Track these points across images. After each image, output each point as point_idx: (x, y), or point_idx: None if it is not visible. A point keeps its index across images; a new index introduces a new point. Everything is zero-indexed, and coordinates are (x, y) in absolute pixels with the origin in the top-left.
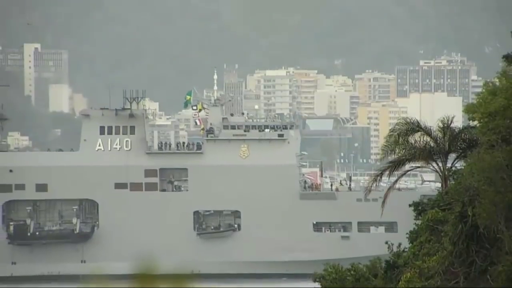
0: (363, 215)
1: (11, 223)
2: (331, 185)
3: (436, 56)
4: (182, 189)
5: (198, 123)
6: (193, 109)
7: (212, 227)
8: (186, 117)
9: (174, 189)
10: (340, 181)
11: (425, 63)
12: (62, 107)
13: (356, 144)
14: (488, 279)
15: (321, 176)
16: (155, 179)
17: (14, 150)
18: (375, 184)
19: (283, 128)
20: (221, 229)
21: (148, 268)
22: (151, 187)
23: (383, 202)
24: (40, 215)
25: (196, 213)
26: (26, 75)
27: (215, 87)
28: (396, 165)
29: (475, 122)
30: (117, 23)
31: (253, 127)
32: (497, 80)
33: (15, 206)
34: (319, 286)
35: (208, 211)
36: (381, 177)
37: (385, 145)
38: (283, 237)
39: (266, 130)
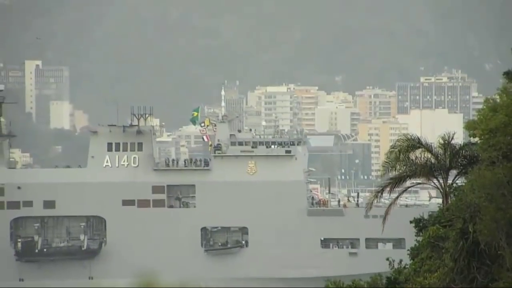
0: (371, 231)
1: (19, 239)
2: (339, 201)
3: (436, 72)
4: (190, 205)
5: (206, 139)
6: (200, 126)
7: (220, 244)
8: (187, 133)
9: (181, 206)
10: (348, 197)
11: (425, 79)
12: (63, 124)
13: (357, 161)
14: None
15: (329, 192)
16: (163, 196)
17: (22, 167)
18: (376, 201)
19: (291, 144)
20: (229, 246)
21: (148, 283)
22: (158, 203)
23: (384, 218)
24: (48, 231)
25: (203, 229)
26: (27, 92)
27: (223, 104)
28: (397, 181)
29: (476, 139)
30: (117, 39)
31: (261, 143)
32: (498, 96)
33: (23, 223)
34: None
35: (216, 227)
36: (382, 194)
37: (386, 162)
38: (290, 254)
39: (273, 146)
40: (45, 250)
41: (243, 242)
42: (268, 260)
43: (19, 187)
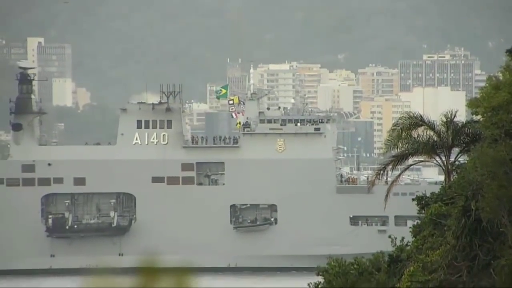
0: (400, 209)
1: (50, 216)
2: (368, 178)
3: (439, 50)
4: (219, 182)
5: (234, 116)
6: (229, 103)
7: (249, 221)
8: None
9: (210, 183)
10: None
11: (428, 57)
12: (65, 101)
13: (359, 139)
14: (491, 273)
15: (358, 170)
16: (192, 173)
17: (53, 143)
18: (378, 178)
19: (320, 122)
20: (258, 223)
21: (151, 262)
22: (188, 181)
23: (386, 195)
24: (78, 208)
25: (232, 206)
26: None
27: (251, 81)
28: (399, 159)
29: (479, 117)
30: (120, 19)
31: (289, 121)
32: (501, 74)
33: (53, 199)
34: (322, 280)
35: (245, 204)
36: (384, 171)
37: (388, 140)
38: (319, 231)
39: (298, 124)
40: (75, 226)
41: (272, 219)
42: (297, 237)
43: (49, 164)
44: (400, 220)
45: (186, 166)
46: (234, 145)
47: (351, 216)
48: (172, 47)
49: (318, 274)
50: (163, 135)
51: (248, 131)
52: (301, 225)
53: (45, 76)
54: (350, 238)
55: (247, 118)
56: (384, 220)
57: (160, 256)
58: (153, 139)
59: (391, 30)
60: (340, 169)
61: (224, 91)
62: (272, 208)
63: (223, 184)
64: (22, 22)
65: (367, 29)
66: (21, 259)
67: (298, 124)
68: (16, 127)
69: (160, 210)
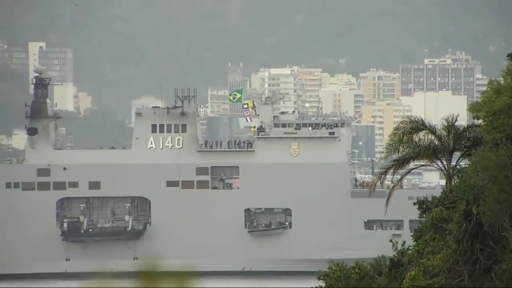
0: (415, 213)
1: (65, 220)
2: (382, 183)
3: (440, 54)
4: (233, 186)
5: (249, 120)
6: (243, 107)
7: (263, 225)
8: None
9: (225, 187)
10: (392, 179)
11: (429, 61)
12: (66, 106)
13: (360, 143)
14: (493, 277)
15: (373, 174)
16: (207, 177)
17: (68, 148)
18: (379, 182)
19: (334, 126)
20: (272, 227)
21: (151, 266)
22: (202, 185)
23: (387, 200)
24: (93, 212)
25: (247, 210)
26: (31, 74)
27: (266, 85)
28: (400, 163)
29: (480, 121)
30: (121, 22)
31: (304, 125)
32: (502, 78)
33: (68, 203)
34: (323, 284)
35: (259, 209)
36: (385, 175)
37: (390, 144)
38: (334, 235)
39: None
40: (90, 230)
41: (287, 223)
42: (311, 241)
43: (64, 168)
44: (415, 224)
45: (200, 170)
46: (249, 149)
47: (366, 220)
48: (173, 49)
49: (319, 279)
50: (178, 139)
51: (262, 135)
52: (315, 229)
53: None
54: (365, 242)
55: (262, 122)
56: (398, 224)
57: (168, 260)
58: (168, 143)
59: (392, 33)
60: (354, 173)
61: (239, 95)
62: (287, 212)
63: (238, 188)
64: (23, 26)
65: (367, 32)
66: (36, 263)
67: (309, 128)
68: (32, 131)
69: (175, 214)
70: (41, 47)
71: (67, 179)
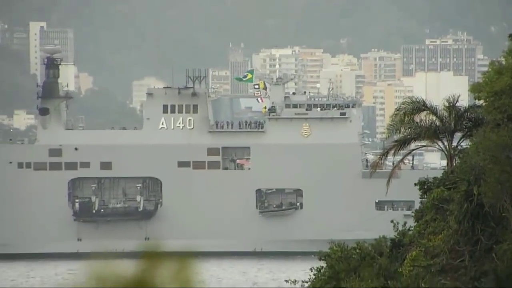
0: None
1: (77, 200)
2: (393, 163)
3: (442, 35)
4: (244, 167)
5: (260, 101)
6: (255, 88)
7: (274, 206)
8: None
9: (236, 168)
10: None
11: (431, 42)
12: (68, 86)
13: (362, 123)
14: (494, 258)
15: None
16: (218, 158)
17: (79, 128)
18: (381, 163)
19: (345, 107)
20: (283, 208)
21: (153, 247)
22: (213, 165)
23: (388, 180)
24: (105, 192)
25: (258, 191)
26: (32, 54)
27: (277, 66)
28: (401, 144)
29: (481, 101)
30: (122, 3)
31: (315, 105)
32: (503, 59)
33: (80, 183)
34: (325, 264)
35: (270, 189)
36: (386, 156)
37: (391, 124)
38: (345, 216)
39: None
40: (102, 210)
41: (298, 204)
42: (322, 222)
43: (76, 148)
44: None
45: (212, 151)
46: (260, 130)
47: (377, 201)
48: (173, 31)
49: (320, 259)
50: (189, 119)
51: (273, 115)
52: (326, 210)
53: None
54: (376, 223)
55: (273, 102)
56: (409, 205)
57: (178, 241)
58: (179, 123)
59: (393, 14)
60: (365, 154)
61: (250, 75)
62: (298, 193)
63: (249, 168)
64: (24, 6)
65: (369, 13)
66: (48, 243)
67: (319, 109)
68: (43, 112)
69: (186, 194)
70: (42, 27)
71: (78, 160)
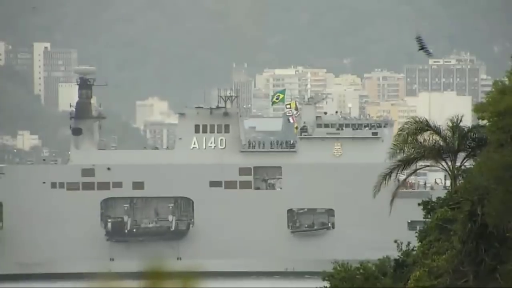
0: None
1: (109, 220)
2: (425, 183)
3: (445, 55)
4: (276, 187)
5: (292, 121)
6: (286, 108)
7: (306, 225)
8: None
9: (268, 187)
10: (435, 179)
11: (434, 62)
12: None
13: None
14: (498, 278)
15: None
16: (250, 177)
17: (111, 148)
18: (384, 183)
19: (377, 127)
20: (315, 227)
21: (157, 266)
22: (245, 185)
23: (392, 200)
24: (137, 212)
25: (289, 211)
26: (36, 74)
27: (309, 86)
28: (405, 164)
29: (484, 121)
30: (125, 23)
31: (347, 125)
32: (507, 79)
33: (112, 203)
34: (328, 285)
35: (302, 209)
36: (390, 176)
37: (394, 144)
38: (377, 236)
39: (349, 129)
40: (134, 230)
41: (329, 224)
42: (354, 242)
43: (109, 168)
44: None
45: (243, 171)
46: (291, 150)
47: (409, 221)
48: (177, 50)
49: (324, 279)
50: (221, 139)
51: (305, 135)
52: (358, 230)
53: (52, 81)
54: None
55: (304, 122)
56: None
57: (211, 261)
58: (211, 143)
59: (397, 34)
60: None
61: (281, 96)
62: (329, 212)
63: (280, 188)
64: (28, 26)
65: (372, 32)
66: (81, 262)
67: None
68: (77, 132)
69: (218, 214)
70: (46, 48)
71: (111, 179)
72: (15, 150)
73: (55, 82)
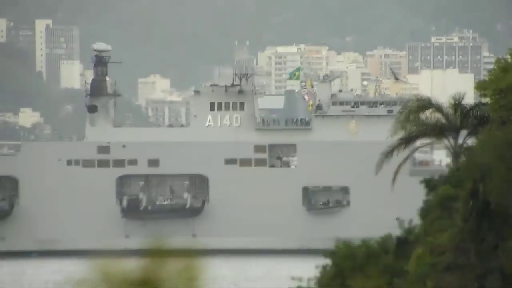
0: None
1: (125, 197)
2: (440, 161)
3: (447, 33)
4: (291, 165)
5: (307, 98)
6: (302, 86)
7: (321, 203)
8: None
9: (283, 165)
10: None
11: (436, 39)
12: (73, 83)
13: None
14: (499, 255)
15: (431, 152)
16: (265, 155)
17: (127, 125)
18: (386, 161)
19: (392, 104)
20: (330, 205)
21: (159, 244)
22: (260, 163)
23: (394, 178)
24: (152, 190)
25: (304, 189)
26: (38, 51)
27: (324, 63)
28: (407, 141)
29: (487, 99)
30: (128, 1)
31: (362, 103)
32: (509, 56)
33: (128, 181)
34: (330, 262)
35: (317, 187)
36: (392, 154)
37: (397, 122)
38: (392, 214)
39: (364, 106)
40: (149, 208)
41: (345, 201)
42: (370, 220)
43: (124, 146)
44: None
45: (258, 148)
46: (306, 127)
47: (425, 198)
48: (179, 29)
49: (326, 257)
50: (236, 117)
51: (320, 113)
52: (374, 208)
53: (54, 58)
54: None
55: (319, 100)
56: None
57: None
58: (226, 121)
59: (399, 11)
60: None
61: (297, 73)
62: (345, 190)
63: (295, 166)
64: (29, 3)
65: (374, 10)
66: (96, 239)
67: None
68: (92, 109)
69: (233, 191)
70: (47, 25)
71: (126, 157)
72: (17, 127)
73: (57, 59)
